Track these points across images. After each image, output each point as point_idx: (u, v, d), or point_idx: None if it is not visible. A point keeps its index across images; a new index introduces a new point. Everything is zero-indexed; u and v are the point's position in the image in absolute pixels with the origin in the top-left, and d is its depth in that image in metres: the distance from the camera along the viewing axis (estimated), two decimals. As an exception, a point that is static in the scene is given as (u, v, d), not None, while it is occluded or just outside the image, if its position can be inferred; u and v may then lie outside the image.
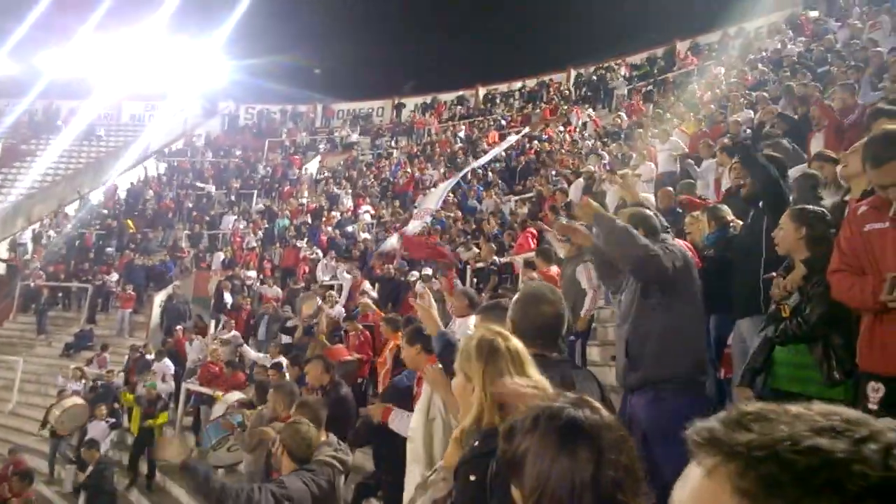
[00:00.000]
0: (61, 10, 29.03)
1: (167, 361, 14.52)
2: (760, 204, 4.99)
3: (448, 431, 3.61)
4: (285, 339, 12.79)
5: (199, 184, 28.34)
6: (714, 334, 5.60)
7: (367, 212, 21.64)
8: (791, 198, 4.98)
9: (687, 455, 0.80)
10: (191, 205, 26.79)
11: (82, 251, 24.18)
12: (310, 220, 22.01)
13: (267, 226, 22.93)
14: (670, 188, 9.62)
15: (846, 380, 3.54)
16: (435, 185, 20.55)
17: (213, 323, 17.50)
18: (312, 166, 29.57)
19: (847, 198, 4.10)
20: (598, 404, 1.53)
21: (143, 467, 12.31)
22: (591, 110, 24.71)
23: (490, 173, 20.37)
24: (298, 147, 31.97)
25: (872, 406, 3.04)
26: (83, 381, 15.74)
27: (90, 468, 10.53)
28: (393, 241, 14.89)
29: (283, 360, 10.43)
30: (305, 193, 25.21)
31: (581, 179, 13.78)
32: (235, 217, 24.56)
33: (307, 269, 18.01)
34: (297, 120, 35.16)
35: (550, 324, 2.92)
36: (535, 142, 21.98)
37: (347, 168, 27.89)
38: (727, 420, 0.77)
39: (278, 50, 32.97)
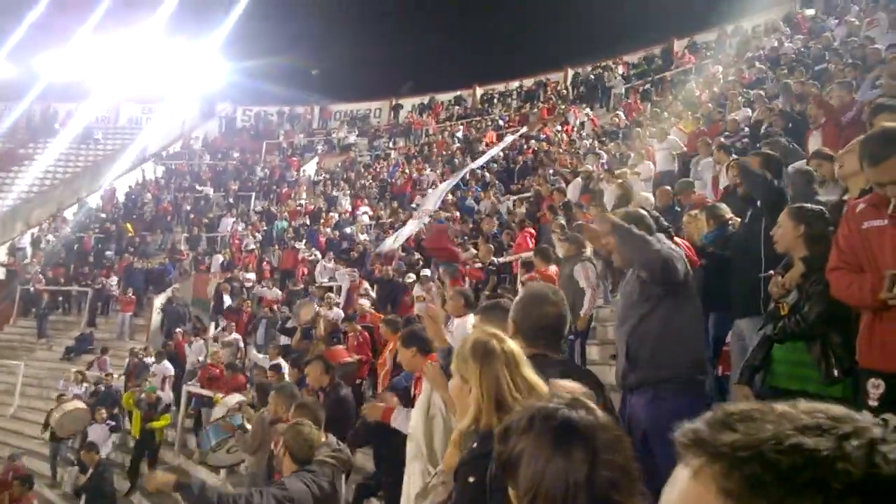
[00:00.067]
0: (58, 13, 29.04)
1: (166, 363, 14.55)
2: (758, 203, 5.00)
3: (448, 429, 3.62)
4: (284, 340, 12.79)
5: (197, 186, 28.35)
6: (713, 333, 5.61)
7: (365, 213, 21.64)
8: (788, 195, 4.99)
9: None
10: (189, 207, 26.79)
11: (81, 255, 24.20)
12: (308, 222, 22.01)
13: (265, 228, 22.93)
14: (668, 187, 9.64)
15: (844, 378, 3.55)
16: (433, 185, 20.58)
17: (212, 325, 17.50)
18: (310, 168, 29.58)
19: (846, 196, 4.09)
20: (592, 405, 1.53)
21: (144, 469, 12.29)
22: (588, 110, 24.71)
23: (487, 174, 20.37)
24: (296, 149, 31.98)
25: (873, 403, 3.05)
26: (84, 384, 15.76)
27: (90, 471, 10.54)
28: (391, 242, 14.90)
29: (282, 362, 10.45)
30: (303, 195, 25.22)
31: (579, 179, 13.77)
32: (234, 219, 24.58)
33: (306, 271, 18.02)
34: (294, 121, 35.16)
35: (553, 324, 2.93)
36: (533, 141, 21.96)
37: (345, 169, 27.89)
38: (712, 421, 0.77)
39: (275, 51, 32.94)
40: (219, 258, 21.52)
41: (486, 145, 23.29)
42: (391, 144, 30.25)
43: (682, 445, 0.78)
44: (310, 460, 4.18)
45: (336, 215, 21.92)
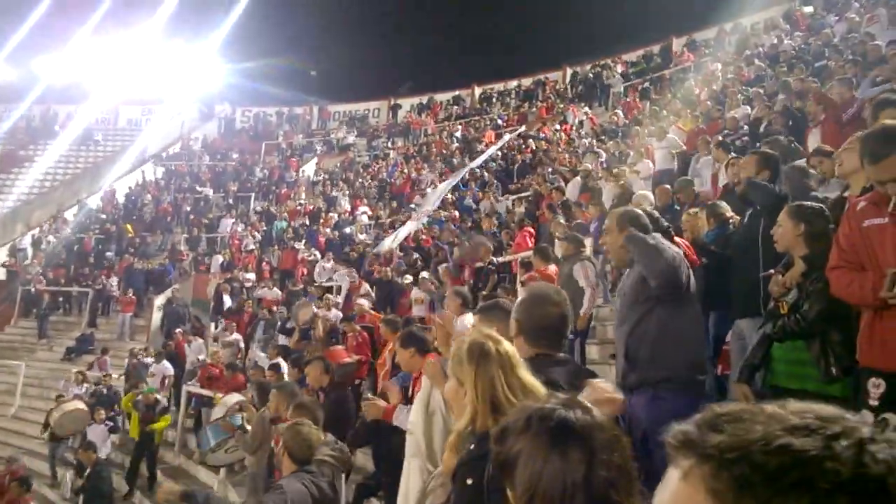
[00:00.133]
0: (58, 16, 29.09)
1: (165, 363, 14.56)
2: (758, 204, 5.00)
3: (448, 427, 3.62)
4: (282, 339, 12.79)
5: (196, 187, 28.38)
6: (713, 332, 5.60)
7: (364, 213, 21.67)
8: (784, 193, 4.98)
9: None
10: (189, 208, 26.81)
11: (82, 256, 24.22)
12: (308, 222, 22.01)
13: (265, 228, 22.95)
14: (668, 185, 9.63)
15: (843, 376, 3.54)
16: (432, 185, 20.59)
17: (212, 325, 17.51)
18: (309, 168, 29.57)
19: (846, 194, 4.08)
20: (589, 405, 1.52)
21: (143, 470, 12.29)
22: (587, 108, 24.70)
23: (486, 173, 20.37)
24: (295, 149, 31.96)
25: (873, 402, 3.04)
26: (85, 384, 15.77)
27: (88, 470, 10.54)
28: (389, 242, 14.90)
29: (282, 362, 10.45)
30: (303, 195, 25.22)
31: (578, 178, 13.77)
32: (233, 220, 24.61)
33: (305, 271, 18.02)
34: (293, 122, 35.14)
35: (555, 324, 2.93)
36: (532, 140, 21.96)
37: (344, 169, 27.89)
38: (701, 422, 0.78)
39: (274, 53, 33.03)
40: (218, 259, 21.54)
41: (486, 145, 23.28)
42: (390, 144, 30.23)
43: (673, 447, 0.79)
44: (309, 460, 4.17)
45: (335, 215, 21.93)
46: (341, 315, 12.26)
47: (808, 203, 4.05)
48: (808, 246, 3.79)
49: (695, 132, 12.66)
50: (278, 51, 33.14)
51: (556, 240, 9.81)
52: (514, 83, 31.63)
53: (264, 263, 20.25)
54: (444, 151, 25.46)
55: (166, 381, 14.34)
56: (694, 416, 0.81)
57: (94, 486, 10.37)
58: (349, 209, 22.62)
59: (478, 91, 32.27)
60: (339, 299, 14.15)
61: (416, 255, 14.67)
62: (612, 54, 28.60)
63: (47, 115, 33.66)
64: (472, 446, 2.30)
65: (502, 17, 37.84)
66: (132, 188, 29.20)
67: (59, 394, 15.22)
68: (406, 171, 24.38)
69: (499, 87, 32.00)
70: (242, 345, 14.41)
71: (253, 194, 27.45)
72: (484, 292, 10.06)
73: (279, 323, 13.75)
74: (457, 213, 17.24)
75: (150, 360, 15.28)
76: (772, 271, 4.08)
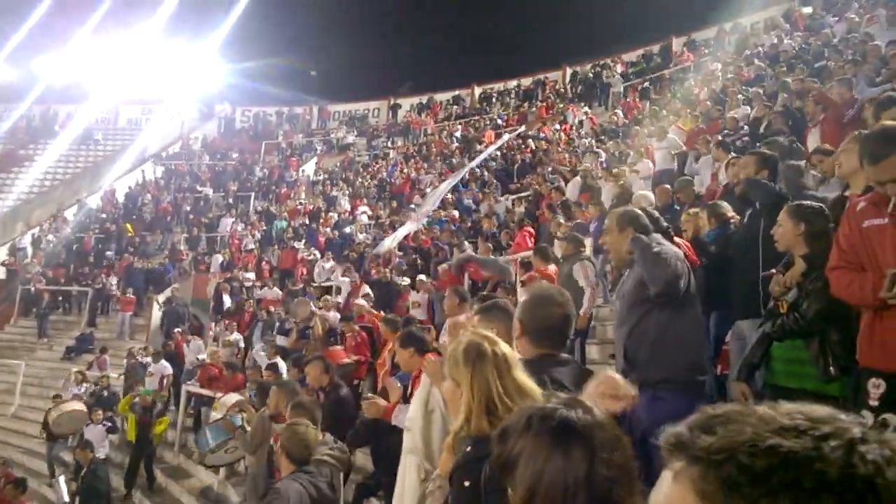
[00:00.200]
0: (58, 16, 29.11)
1: (164, 363, 14.55)
2: (757, 203, 4.99)
3: (447, 423, 3.62)
4: (280, 339, 12.78)
5: (196, 187, 28.39)
6: (714, 332, 5.59)
7: (364, 213, 21.66)
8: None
9: None
10: (188, 208, 26.82)
11: (81, 255, 24.22)
12: (307, 222, 22.01)
13: (265, 228, 22.95)
14: (668, 185, 9.63)
15: (842, 376, 3.54)
16: (431, 186, 20.58)
17: (212, 325, 17.50)
18: (309, 168, 29.58)
19: (847, 193, 4.08)
20: (590, 404, 1.52)
21: (141, 472, 12.26)
22: (587, 108, 24.70)
23: (486, 172, 20.37)
24: (295, 149, 31.98)
25: (873, 402, 3.03)
26: (84, 384, 15.76)
27: (84, 469, 10.54)
28: (388, 243, 14.88)
29: (280, 362, 10.46)
30: (303, 195, 25.23)
31: (578, 178, 13.77)
32: (233, 219, 24.63)
33: (305, 271, 18.01)
34: (293, 122, 35.15)
35: (559, 325, 2.94)
36: (531, 140, 21.96)
37: (344, 169, 27.90)
38: (693, 424, 0.79)
39: (274, 53, 33.07)
40: (218, 258, 21.56)
41: (486, 146, 23.28)
42: (390, 144, 30.24)
43: (665, 449, 0.80)
44: (307, 460, 4.16)
45: (335, 215, 21.92)
46: (339, 316, 12.25)
47: (808, 202, 4.05)
48: (808, 245, 3.80)
49: (695, 132, 12.66)
50: (278, 51, 33.20)
51: (556, 240, 9.82)
52: (513, 83, 31.63)
53: (264, 263, 20.25)
54: (444, 151, 25.47)
55: (165, 381, 14.33)
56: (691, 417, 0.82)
57: (89, 486, 10.38)
58: (349, 209, 22.62)
59: (478, 91, 32.27)
60: (340, 299, 14.14)
61: (415, 255, 14.66)
62: (611, 54, 28.60)
63: (47, 114, 33.68)
64: (469, 448, 2.31)
65: (502, 17, 37.90)
66: (132, 188, 29.20)
67: (56, 393, 15.22)
68: (406, 170, 24.37)
69: (499, 86, 32.00)
70: (242, 344, 14.40)
71: (253, 194, 27.46)
72: (483, 292, 10.06)
73: (277, 324, 13.74)
74: (456, 213, 17.24)
75: (148, 359, 15.26)
76: (772, 271, 4.08)
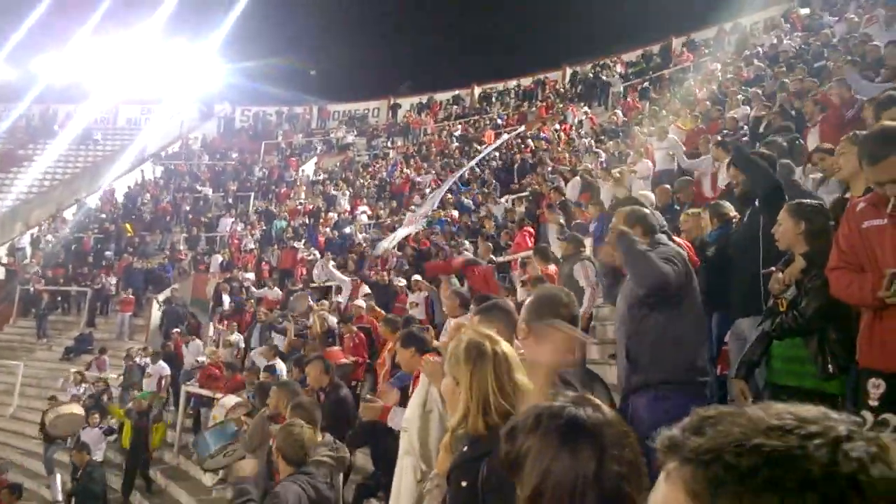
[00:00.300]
0: (57, 15, 29.11)
1: (162, 364, 14.54)
2: (756, 202, 4.99)
3: (444, 424, 3.61)
4: (277, 339, 12.77)
5: (196, 186, 28.38)
6: (715, 332, 5.59)
7: (364, 212, 21.65)
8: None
9: None
10: (188, 208, 26.81)
11: (80, 255, 24.19)
12: (307, 222, 21.99)
13: (264, 227, 22.93)
14: (667, 185, 9.63)
15: (841, 374, 3.55)
16: (431, 186, 20.57)
17: (211, 326, 17.48)
18: (309, 168, 29.58)
19: (847, 195, 4.09)
20: (599, 402, 1.52)
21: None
22: (586, 108, 24.70)
23: (486, 171, 20.36)
24: (295, 149, 31.97)
25: (873, 403, 3.04)
26: (83, 384, 15.73)
27: (80, 472, 10.55)
28: (385, 244, 14.85)
29: (277, 363, 10.45)
30: (302, 195, 25.21)
31: (578, 178, 13.76)
32: (233, 219, 24.61)
33: (305, 271, 17.98)
34: (293, 122, 35.15)
35: None
36: (531, 140, 21.95)
37: (344, 169, 27.89)
38: (686, 426, 0.82)
39: (274, 52, 33.10)
40: (218, 258, 21.54)
41: (486, 145, 23.27)
42: (389, 144, 30.23)
43: (660, 451, 0.83)
44: (303, 461, 4.14)
45: (335, 215, 21.89)
46: (336, 319, 12.22)
47: (808, 201, 4.07)
48: (808, 243, 3.81)
49: (694, 132, 12.67)
50: (278, 50, 33.24)
51: (557, 238, 9.80)
52: (513, 83, 31.65)
53: (263, 263, 20.23)
54: (444, 151, 25.46)
55: (163, 382, 14.31)
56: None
57: (85, 488, 10.42)
58: (349, 209, 22.59)
59: (477, 91, 32.28)
60: (341, 299, 14.12)
61: (414, 255, 14.64)
62: (611, 54, 28.61)
63: (47, 114, 33.68)
64: (466, 448, 2.30)
65: (502, 17, 37.92)
66: (131, 187, 29.19)
67: (52, 395, 15.20)
68: (406, 170, 24.36)
69: (498, 86, 32.02)
70: (242, 345, 14.37)
71: (252, 194, 27.45)
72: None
73: (271, 325, 13.70)
74: (456, 213, 17.22)
75: (146, 360, 15.21)
76: (772, 269, 4.08)
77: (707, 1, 24.86)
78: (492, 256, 11.80)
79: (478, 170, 20.35)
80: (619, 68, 27.14)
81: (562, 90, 29.07)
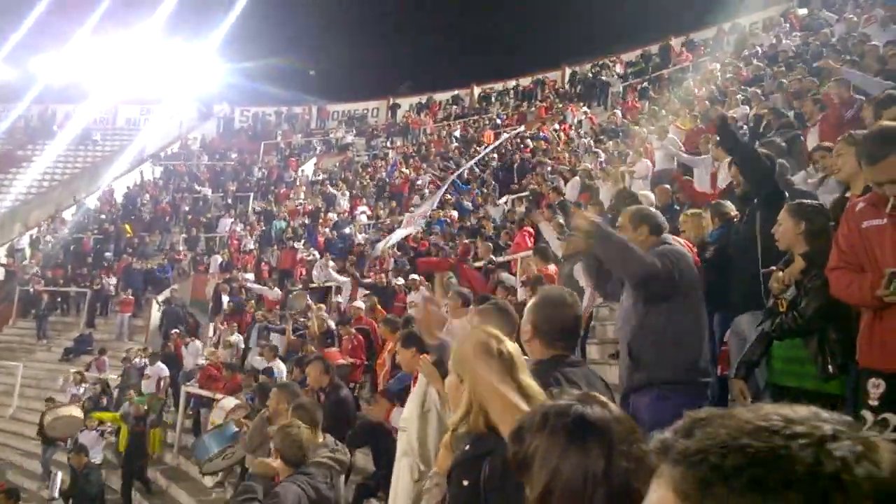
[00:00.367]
0: (57, 15, 29.09)
1: (160, 365, 14.52)
2: (755, 201, 5.00)
3: (443, 424, 3.61)
4: (275, 339, 12.75)
5: (195, 187, 28.36)
6: (717, 333, 5.59)
7: (363, 213, 21.64)
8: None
9: None
10: (187, 208, 26.80)
11: (80, 256, 24.19)
12: (307, 222, 21.98)
13: (264, 228, 22.91)
14: (667, 185, 9.64)
15: (840, 374, 3.55)
16: (430, 187, 20.57)
17: (211, 326, 17.47)
18: (308, 168, 29.56)
19: (847, 195, 4.09)
20: (605, 399, 1.53)
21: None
22: (586, 108, 24.69)
23: (486, 169, 20.35)
24: (294, 149, 31.93)
25: (873, 402, 3.04)
26: (83, 385, 15.72)
27: (77, 473, 10.56)
28: (382, 245, 14.85)
29: (276, 364, 10.44)
30: (302, 195, 25.19)
31: (577, 178, 13.76)
32: (232, 220, 24.59)
33: (304, 271, 17.97)
34: (292, 122, 35.14)
35: (570, 326, 2.95)
36: (530, 140, 21.94)
37: (343, 169, 27.87)
38: (678, 428, 0.83)
39: (273, 52, 33.06)
40: (217, 259, 21.51)
41: (485, 146, 23.28)
42: (389, 144, 30.22)
43: (653, 454, 0.84)
44: (302, 461, 4.14)
45: (334, 215, 21.88)
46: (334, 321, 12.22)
47: (808, 201, 4.08)
48: (808, 243, 3.81)
49: (694, 132, 12.66)
50: (277, 51, 33.21)
51: (556, 238, 9.79)
52: (513, 83, 31.65)
53: (263, 263, 20.21)
54: (444, 151, 25.45)
55: (162, 383, 14.29)
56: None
57: (81, 490, 10.45)
58: (348, 209, 22.58)
59: (477, 91, 32.28)
60: (341, 298, 14.12)
61: (413, 255, 14.63)
62: (611, 54, 28.62)
63: (46, 114, 33.67)
64: (468, 447, 2.30)
65: (502, 17, 37.92)
66: (130, 188, 29.18)
67: (49, 396, 15.16)
68: (405, 170, 24.35)
69: (498, 86, 32.02)
70: (242, 346, 14.36)
71: (252, 194, 27.42)
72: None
73: (268, 325, 13.70)
74: (455, 214, 17.22)
75: (145, 361, 15.16)
76: (773, 268, 4.08)
77: (706, 1, 24.87)
78: (492, 256, 11.80)
79: (477, 170, 20.32)
80: (618, 68, 27.15)
81: (561, 90, 29.07)
